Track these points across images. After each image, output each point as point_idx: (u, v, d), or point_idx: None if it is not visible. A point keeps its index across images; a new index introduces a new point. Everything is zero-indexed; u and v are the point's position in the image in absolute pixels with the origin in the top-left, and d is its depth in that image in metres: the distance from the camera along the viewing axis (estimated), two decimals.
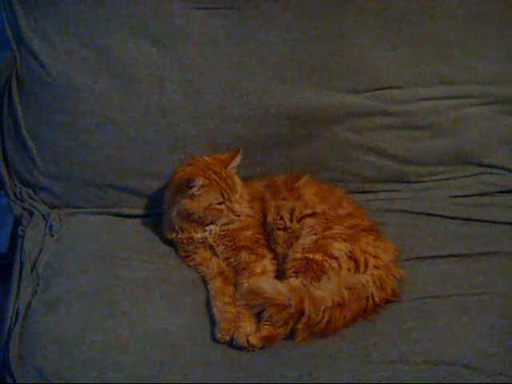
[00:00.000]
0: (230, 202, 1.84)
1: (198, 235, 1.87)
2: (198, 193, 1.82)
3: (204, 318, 1.70)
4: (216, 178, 1.84)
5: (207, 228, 1.87)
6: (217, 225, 1.86)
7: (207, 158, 1.93)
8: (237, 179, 1.90)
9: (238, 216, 1.85)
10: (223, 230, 1.86)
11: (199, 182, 1.82)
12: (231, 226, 1.86)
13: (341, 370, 1.53)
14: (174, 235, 1.91)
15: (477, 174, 2.19)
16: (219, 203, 1.83)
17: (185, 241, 1.89)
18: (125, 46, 1.99)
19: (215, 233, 1.86)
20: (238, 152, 1.91)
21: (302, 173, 2.02)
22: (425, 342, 1.59)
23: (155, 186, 2.04)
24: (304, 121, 2.06)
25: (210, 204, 1.83)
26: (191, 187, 1.81)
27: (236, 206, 1.84)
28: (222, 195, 1.83)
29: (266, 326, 1.61)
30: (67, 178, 2.04)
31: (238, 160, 1.91)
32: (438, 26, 2.11)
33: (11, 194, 2.06)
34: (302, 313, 1.60)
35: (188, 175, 1.84)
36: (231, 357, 1.59)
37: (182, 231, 1.89)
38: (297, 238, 1.81)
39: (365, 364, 1.55)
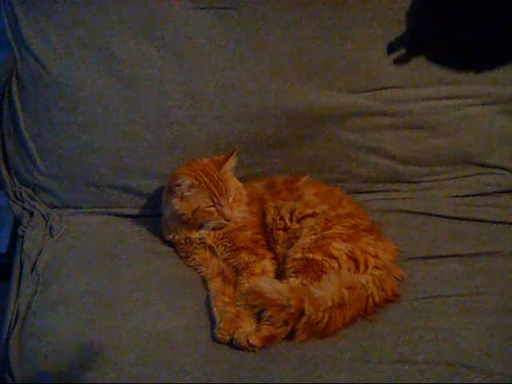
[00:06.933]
0: (220, 206, 1.82)
1: (196, 235, 1.87)
2: (188, 194, 1.82)
3: (204, 318, 1.70)
4: (207, 180, 1.83)
5: (201, 231, 1.86)
6: (206, 228, 1.85)
7: (205, 160, 1.92)
8: (232, 182, 1.87)
9: (228, 221, 1.84)
10: (219, 233, 1.86)
11: (186, 181, 1.81)
12: (226, 229, 1.85)
13: (341, 370, 1.54)
14: (171, 236, 1.91)
15: (477, 174, 2.19)
16: (209, 206, 1.82)
17: (183, 241, 1.89)
18: (125, 46, 1.99)
19: (213, 234, 1.86)
20: (232, 153, 1.89)
21: (301, 173, 2.02)
22: (425, 342, 1.59)
23: (155, 185, 2.05)
24: (304, 121, 2.06)
25: (199, 206, 1.81)
26: (179, 186, 1.81)
27: (226, 211, 1.82)
28: (212, 199, 1.81)
29: (266, 326, 1.61)
30: (67, 178, 2.04)
31: (233, 161, 1.89)
32: None
33: (11, 194, 2.07)
34: (301, 313, 1.60)
35: (176, 174, 1.84)
36: (231, 357, 1.59)
37: (177, 232, 1.89)
38: (297, 238, 1.81)
39: (365, 364, 1.55)
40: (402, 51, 0.95)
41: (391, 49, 0.92)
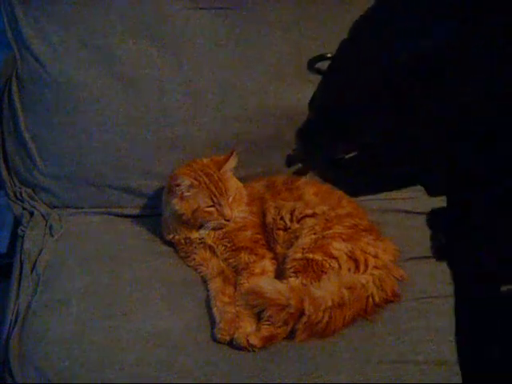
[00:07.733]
0: (220, 206, 1.82)
1: (196, 235, 1.87)
2: (187, 194, 1.82)
3: (204, 318, 1.70)
4: (207, 180, 1.83)
5: (200, 231, 1.86)
6: (206, 228, 1.85)
7: (205, 160, 1.92)
8: (231, 182, 1.88)
9: (228, 221, 1.84)
10: (219, 233, 1.86)
11: (186, 181, 1.81)
12: (226, 229, 1.85)
13: (341, 370, 1.54)
14: (171, 236, 1.91)
15: None
16: (208, 206, 1.82)
17: (183, 241, 1.89)
18: (125, 46, 1.99)
19: (213, 234, 1.86)
20: (232, 153, 1.89)
21: None
22: (425, 342, 1.59)
23: (155, 186, 2.04)
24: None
25: (199, 206, 1.81)
26: (178, 186, 1.81)
27: (226, 211, 1.82)
28: (211, 199, 1.81)
29: (266, 326, 1.61)
30: (67, 178, 2.04)
31: (233, 162, 1.89)
32: None
33: (11, 194, 2.07)
34: (301, 313, 1.60)
35: (176, 174, 1.84)
36: (231, 357, 1.59)
37: (177, 232, 1.89)
38: (297, 238, 1.81)
39: (365, 364, 1.55)
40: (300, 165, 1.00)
41: (289, 163, 0.99)
